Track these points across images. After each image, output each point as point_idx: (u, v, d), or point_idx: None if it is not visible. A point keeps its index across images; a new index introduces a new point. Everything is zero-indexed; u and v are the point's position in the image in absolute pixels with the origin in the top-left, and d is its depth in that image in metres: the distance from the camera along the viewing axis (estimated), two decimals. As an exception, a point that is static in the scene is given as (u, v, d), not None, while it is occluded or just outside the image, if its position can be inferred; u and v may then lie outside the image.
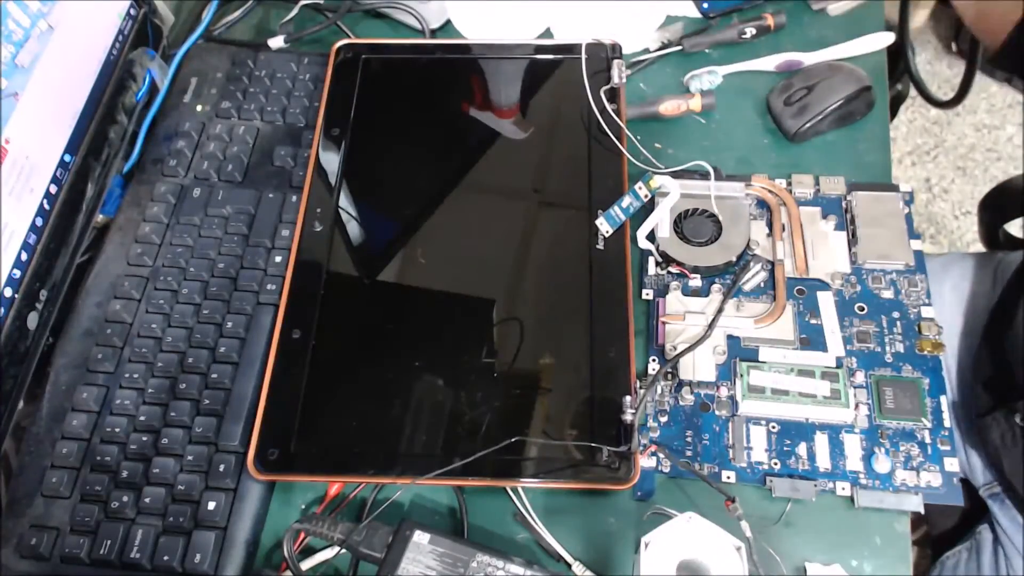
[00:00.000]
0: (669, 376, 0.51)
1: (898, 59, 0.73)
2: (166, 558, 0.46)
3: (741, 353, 0.52)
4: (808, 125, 0.60)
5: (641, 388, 0.50)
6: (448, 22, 0.70)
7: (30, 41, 0.51)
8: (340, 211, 0.57)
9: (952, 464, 0.48)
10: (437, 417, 0.50)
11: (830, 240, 0.56)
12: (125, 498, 0.48)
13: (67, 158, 0.56)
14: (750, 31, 0.65)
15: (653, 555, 0.40)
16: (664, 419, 0.50)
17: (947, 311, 0.65)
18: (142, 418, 0.51)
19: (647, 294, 0.55)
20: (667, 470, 0.49)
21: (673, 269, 0.55)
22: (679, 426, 0.50)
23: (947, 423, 0.49)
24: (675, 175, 0.56)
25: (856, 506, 0.47)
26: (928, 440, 0.49)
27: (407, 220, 0.58)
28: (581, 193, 0.57)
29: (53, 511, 0.48)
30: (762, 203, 0.58)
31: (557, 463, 0.48)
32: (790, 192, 0.58)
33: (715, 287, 0.54)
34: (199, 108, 0.64)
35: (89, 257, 0.58)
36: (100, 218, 0.60)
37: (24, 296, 0.52)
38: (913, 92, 0.81)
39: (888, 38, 0.65)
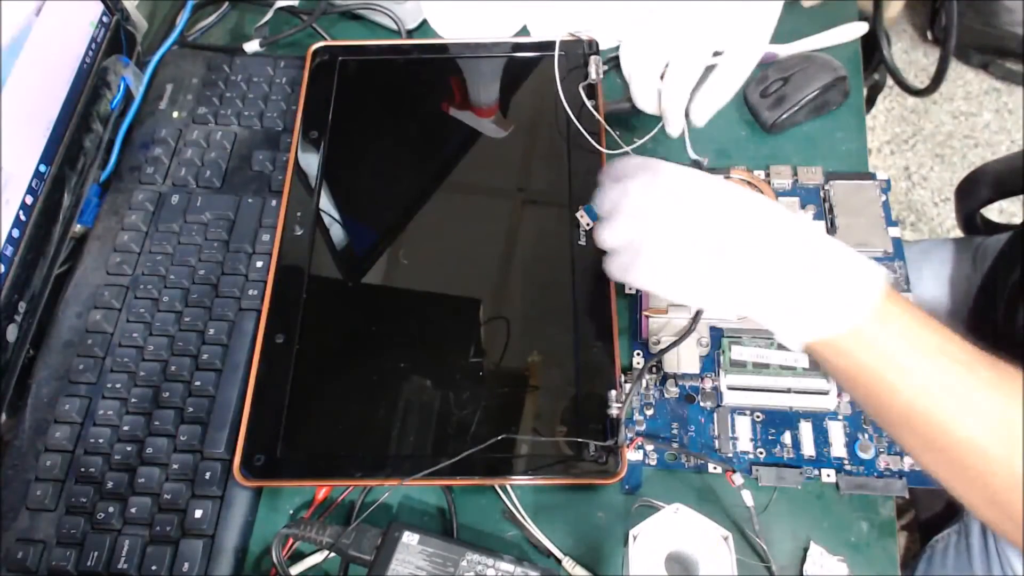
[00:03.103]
0: (654, 369, 0.51)
1: (874, 50, 0.74)
2: (154, 568, 0.46)
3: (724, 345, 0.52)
4: (784, 116, 0.60)
5: (626, 382, 0.50)
6: (424, 22, 0.69)
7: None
8: (321, 214, 0.57)
9: (935, 448, 0.48)
10: (423, 418, 0.50)
11: (809, 229, 0.56)
12: (111, 509, 0.48)
13: (42, 168, 0.55)
14: (725, 24, 0.65)
15: (641, 547, 0.40)
16: (650, 412, 0.50)
17: (928, 296, 0.65)
18: (126, 428, 0.50)
19: (630, 289, 0.55)
20: (653, 463, 0.49)
21: (655, 263, 0.55)
22: (665, 419, 0.50)
23: (929, 407, 0.49)
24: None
25: (841, 492, 0.48)
26: (911, 425, 0.49)
27: (388, 221, 0.58)
28: (561, 190, 0.57)
29: (39, 524, 0.48)
30: (741, 195, 0.58)
31: (545, 459, 0.48)
32: (769, 183, 0.58)
33: (697, 279, 0.55)
34: (175, 114, 0.64)
35: (68, 267, 0.58)
36: (78, 228, 0.59)
37: (3, 308, 0.51)
38: (890, 81, 0.82)
39: (861, 28, 0.65)
